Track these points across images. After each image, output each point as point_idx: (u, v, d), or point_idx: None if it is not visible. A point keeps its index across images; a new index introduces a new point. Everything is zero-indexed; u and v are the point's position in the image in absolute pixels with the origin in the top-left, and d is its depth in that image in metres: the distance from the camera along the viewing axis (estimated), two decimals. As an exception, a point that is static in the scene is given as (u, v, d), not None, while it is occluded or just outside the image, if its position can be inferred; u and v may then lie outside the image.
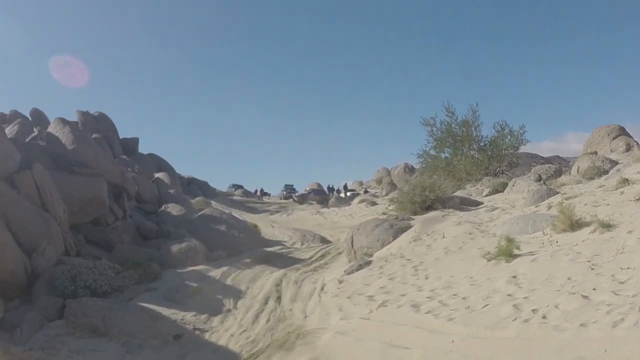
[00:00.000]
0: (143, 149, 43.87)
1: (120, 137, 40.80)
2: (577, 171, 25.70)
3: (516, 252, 10.81)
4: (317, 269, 17.26)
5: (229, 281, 15.71)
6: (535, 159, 43.05)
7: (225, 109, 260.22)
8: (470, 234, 14.60)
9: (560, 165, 34.96)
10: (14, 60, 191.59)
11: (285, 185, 58.45)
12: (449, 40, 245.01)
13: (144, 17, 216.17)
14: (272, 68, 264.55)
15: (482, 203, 22.15)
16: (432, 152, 38.75)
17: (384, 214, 24.30)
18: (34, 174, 16.42)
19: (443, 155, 38.54)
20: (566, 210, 12.24)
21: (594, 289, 7.25)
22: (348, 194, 55.51)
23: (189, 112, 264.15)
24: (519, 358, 5.95)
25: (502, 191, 25.01)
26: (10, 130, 25.99)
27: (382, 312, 9.76)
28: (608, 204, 13.82)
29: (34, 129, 26.95)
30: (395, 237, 16.34)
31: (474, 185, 31.24)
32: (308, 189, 52.25)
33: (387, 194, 44.76)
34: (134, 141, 42.62)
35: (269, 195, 62.16)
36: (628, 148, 31.11)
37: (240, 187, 60.27)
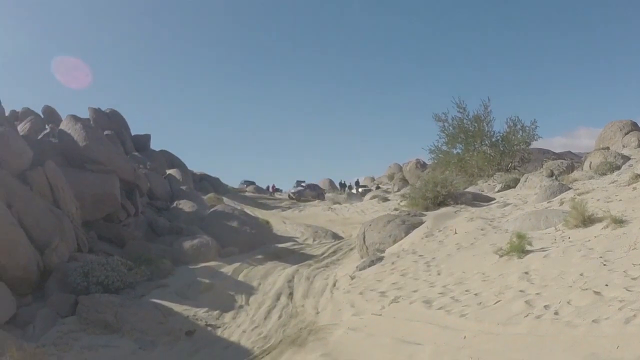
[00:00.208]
0: (155, 145, 43.94)
1: (132, 133, 40.91)
2: (590, 167, 25.60)
3: (528, 248, 10.77)
4: (329, 265, 17.30)
5: (241, 277, 15.73)
6: (547, 154, 42.85)
7: (237, 105, 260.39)
8: (482, 229, 14.57)
9: (572, 160, 34.79)
10: (26, 57, 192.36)
11: (297, 181, 58.38)
12: (460, 35, 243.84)
13: (156, 11, 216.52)
14: (285, 63, 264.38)
15: (494, 199, 22.09)
16: (444, 147, 38.71)
17: (395, 210, 24.34)
18: (46, 171, 16.52)
19: (455, 151, 38.53)
20: (578, 206, 12.17)
21: (606, 285, 7.20)
22: (360, 190, 55.48)
23: (201, 109, 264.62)
24: (531, 354, 5.93)
25: (514, 187, 24.90)
26: (22, 127, 26.07)
27: (394, 308, 9.76)
28: (620, 200, 13.75)
29: (46, 126, 27.02)
30: (407, 233, 16.35)
31: (486, 181, 31.17)
32: (304, 185, 51.89)
33: (399, 190, 44.74)
34: (146, 138, 42.68)
35: (281, 191, 62.10)
36: (641, 143, 30.99)
37: (252, 183, 60.15)
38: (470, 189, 26.58)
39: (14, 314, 11.61)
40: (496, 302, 8.10)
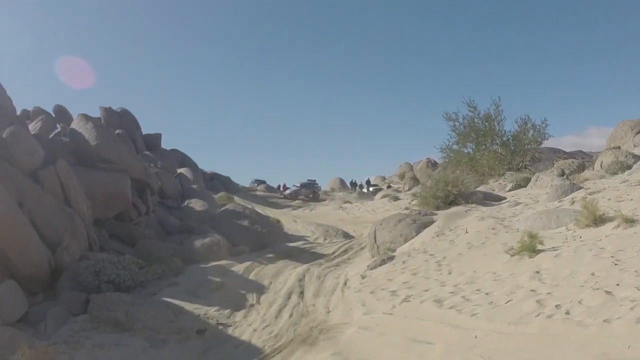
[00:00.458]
0: (166, 144, 44.12)
1: (143, 133, 41.06)
2: (601, 166, 25.48)
3: (539, 247, 10.74)
4: (339, 264, 17.29)
5: (251, 276, 15.75)
6: (558, 153, 42.81)
7: (248, 104, 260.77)
8: (493, 229, 14.53)
9: (583, 160, 34.65)
10: (37, 56, 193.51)
11: (308, 179, 58.42)
12: (471, 34, 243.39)
13: (170, 10, 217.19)
14: (297, 63, 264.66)
15: (505, 198, 22.01)
16: (455, 147, 38.62)
17: (406, 209, 24.31)
18: (58, 170, 16.60)
19: (466, 150, 38.41)
20: (589, 205, 12.11)
21: (618, 285, 7.18)
22: (371, 189, 55.50)
23: (212, 108, 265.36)
24: (542, 354, 5.92)
25: (525, 186, 24.78)
26: (33, 126, 26.18)
27: (405, 307, 9.75)
28: (632, 199, 13.66)
29: (57, 126, 27.15)
30: (418, 232, 16.33)
31: (497, 180, 31.08)
32: (298, 184, 51.75)
33: (409, 189, 44.69)
34: (157, 137, 42.81)
35: (291, 190, 62.05)
36: (652, 142, 30.82)
37: (263, 182, 60.26)
38: (481, 188, 26.47)
39: (26, 312, 11.71)
40: (507, 302, 8.08)
